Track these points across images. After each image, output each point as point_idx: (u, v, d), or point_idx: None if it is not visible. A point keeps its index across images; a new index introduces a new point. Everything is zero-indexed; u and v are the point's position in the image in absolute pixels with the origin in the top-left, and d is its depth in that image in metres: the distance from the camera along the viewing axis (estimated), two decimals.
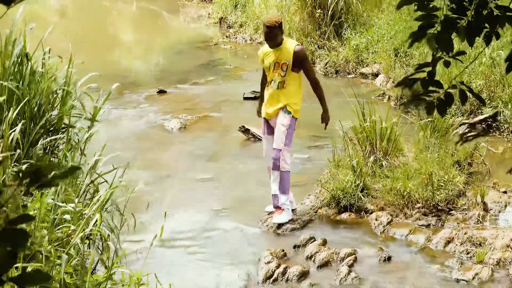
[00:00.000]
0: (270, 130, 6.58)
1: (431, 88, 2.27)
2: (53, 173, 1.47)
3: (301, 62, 6.35)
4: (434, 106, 2.31)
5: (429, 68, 2.38)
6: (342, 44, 12.55)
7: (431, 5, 2.14)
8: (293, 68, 6.36)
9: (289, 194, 6.54)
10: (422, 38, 2.22)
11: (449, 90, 2.31)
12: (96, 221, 4.70)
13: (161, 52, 15.47)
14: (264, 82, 6.70)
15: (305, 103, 6.87)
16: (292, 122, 6.41)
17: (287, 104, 6.40)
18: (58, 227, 4.70)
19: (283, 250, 6.04)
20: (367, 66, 11.87)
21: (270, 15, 6.74)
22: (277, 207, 6.53)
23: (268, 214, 6.73)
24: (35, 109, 5.89)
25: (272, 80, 6.44)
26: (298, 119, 6.51)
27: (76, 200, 4.83)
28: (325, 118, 6.53)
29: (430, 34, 2.17)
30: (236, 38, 15.77)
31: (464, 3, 2.25)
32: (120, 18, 20.93)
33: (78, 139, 5.76)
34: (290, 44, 6.38)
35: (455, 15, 2.21)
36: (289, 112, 6.41)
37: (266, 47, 6.52)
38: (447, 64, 2.30)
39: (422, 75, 2.59)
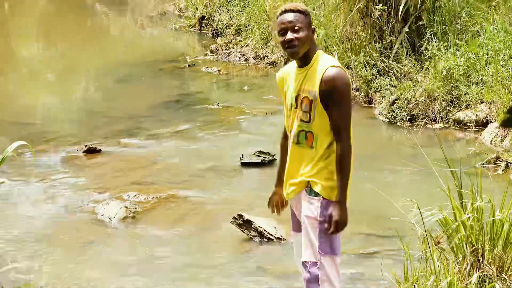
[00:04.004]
0: (297, 223, 6.59)
1: None
2: None
3: (329, 96, 6.22)
4: None
5: None
6: (422, 67, 12.70)
7: None
8: (324, 107, 6.29)
9: None
10: None
11: None
12: None
13: (93, 80, 15.65)
14: (285, 138, 6.68)
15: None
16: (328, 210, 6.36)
17: (312, 178, 6.35)
18: None
19: None
20: (467, 108, 12.00)
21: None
22: None
23: None
24: None
25: (292, 130, 6.39)
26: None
27: None
28: (334, 217, 6.47)
29: None
30: (228, 54, 16.00)
31: None
32: (18, 17, 21.23)
33: None
34: (322, 63, 6.26)
35: None
36: (318, 194, 6.35)
37: (287, 67, 6.57)
38: None
39: None
